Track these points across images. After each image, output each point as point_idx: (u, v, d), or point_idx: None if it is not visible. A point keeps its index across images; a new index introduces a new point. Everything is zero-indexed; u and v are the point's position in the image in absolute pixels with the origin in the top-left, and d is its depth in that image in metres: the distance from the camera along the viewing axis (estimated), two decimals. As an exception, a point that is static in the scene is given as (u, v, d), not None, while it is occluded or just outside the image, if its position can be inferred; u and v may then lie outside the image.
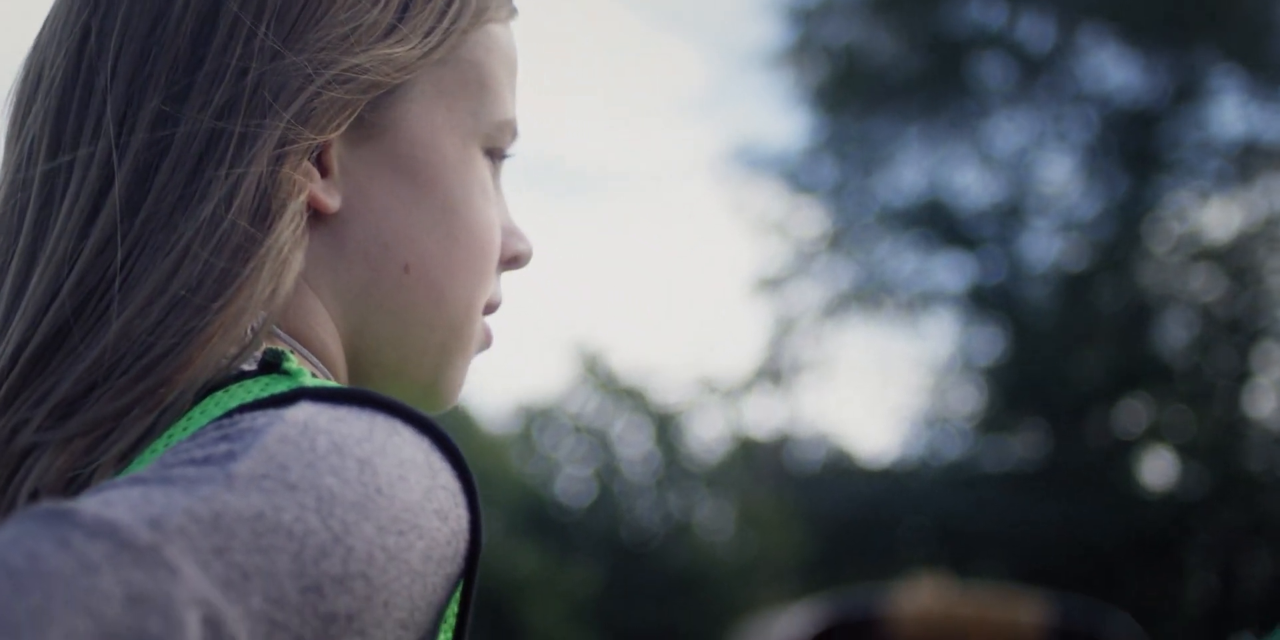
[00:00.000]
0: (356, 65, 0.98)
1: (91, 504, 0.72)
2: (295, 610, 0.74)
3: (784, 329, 22.40)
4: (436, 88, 1.04)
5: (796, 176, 22.06)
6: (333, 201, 1.00)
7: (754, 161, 22.55)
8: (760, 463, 23.70)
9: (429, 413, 1.01)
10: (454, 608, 0.87)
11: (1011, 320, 20.48)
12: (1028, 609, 8.06)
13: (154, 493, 0.74)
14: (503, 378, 45.11)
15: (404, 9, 1.02)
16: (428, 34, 1.02)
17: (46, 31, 1.03)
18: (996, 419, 20.68)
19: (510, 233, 1.12)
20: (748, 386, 23.55)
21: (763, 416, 23.80)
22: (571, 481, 28.24)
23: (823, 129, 22.15)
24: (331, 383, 0.92)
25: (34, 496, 0.87)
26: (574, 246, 44.34)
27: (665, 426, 26.19)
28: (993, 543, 19.15)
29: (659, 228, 41.39)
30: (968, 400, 21.31)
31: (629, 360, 28.00)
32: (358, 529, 0.77)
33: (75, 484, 0.88)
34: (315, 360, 1.01)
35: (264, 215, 0.93)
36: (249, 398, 0.87)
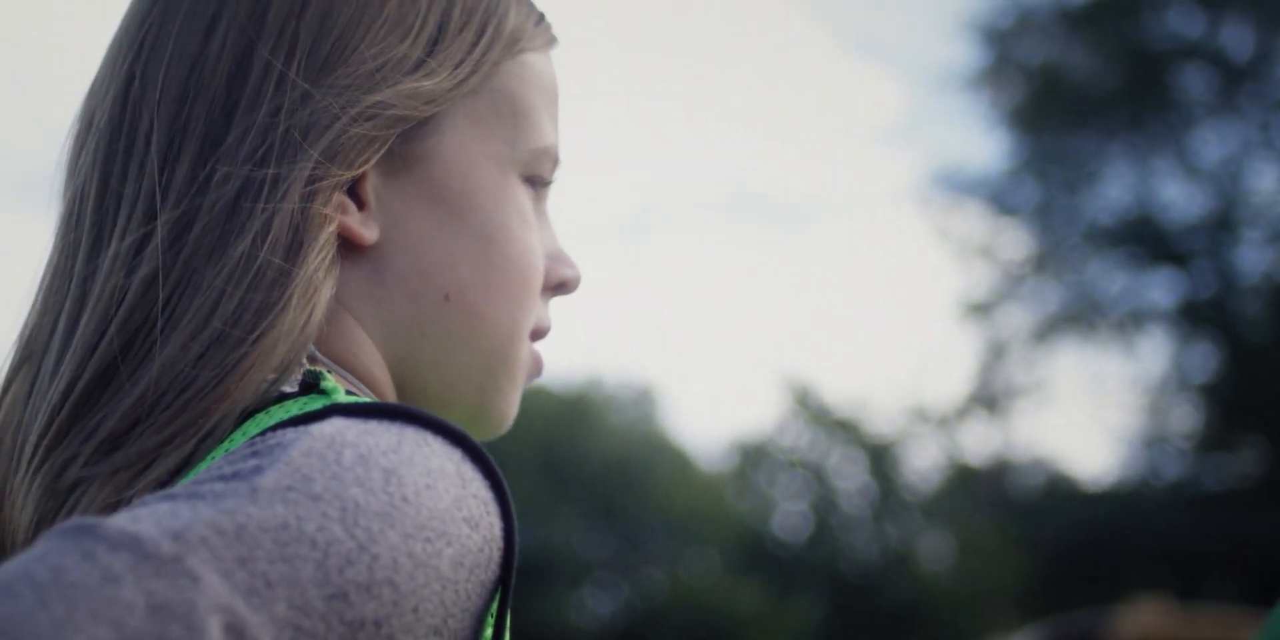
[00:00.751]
0: (382, 101, 0.99)
1: (118, 519, 0.74)
2: (321, 617, 0.75)
3: (995, 354, 22.12)
4: (470, 118, 1.05)
5: (999, 198, 21.83)
6: (370, 233, 1.02)
7: (956, 185, 22.37)
8: (978, 490, 23.38)
9: (481, 439, 1.07)
10: (493, 616, 0.88)
11: (1225, 335, 19.96)
12: (1254, 630, 7.86)
13: (180, 507, 0.76)
14: (716, 415, 45.13)
15: (434, 43, 1.03)
16: (458, 66, 1.04)
17: (98, 76, 1.06)
18: (1215, 436, 20.14)
19: (557, 259, 1.13)
20: (961, 413, 23.30)
21: (978, 443, 23.51)
22: (788, 516, 28.18)
23: (1023, 149, 21.90)
24: (366, 399, 0.94)
25: None
26: (779, 278, 44.27)
27: (879, 457, 26.02)
28: (1217, 563, 18.64)
29: (863, 256, 41.17)
30: (1185, 419, 20.80)
31: (840, 392, 27.86)
32: (383, 537, 0.78)
33: (115, 509, 0.90)
34: (361, 385, 1.03)
35: (295, 250, 0.96)
36: (286, 416, 0.89)
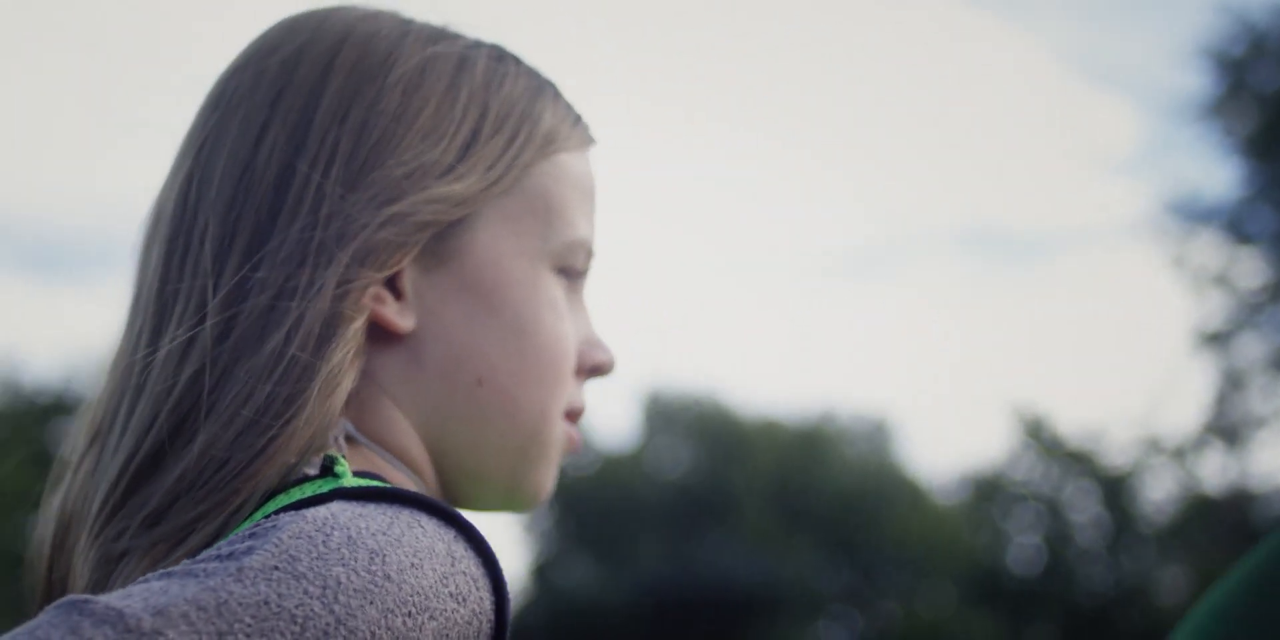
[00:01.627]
0: (410, 207, 1.05)
1: (111, 596, 0.80)
2: None
3: (1232, 383, 21.76)
4: (502, 215, 1.10)
5: (1236, 226, 21.50)
6: (406, 323, 1.08)
7: (1191, 214, 22.05)
8: (1217, 521, 22.95)
9: (517, 512, 1.18)
10: None
11: None
12: None
13: (171, 585, 0.82)
14: (949, 448, 44.69)
15: (466, 148, 1.08)
16: (489, 169, 1.09)
17: (167, 176, 1.12)
18: None
19: (592, 344, 1.18)
20: (1197, 444, 22.92)
21: (1216, 474, 23.07)
22: (1022, 549, 27.85)
23: (1259, 177, 21.55)
24: (373, 483, 0.97)
25: None
26: (1012, 310, 43.77)
27: (1114, 489, 25.62)
28: None
29: (1096, 287, 40.50)
30: None
31: (1073, 424, 27.48)
32: (361, 612, 0.83)
33: None
34: (398, 463, 1.09)
35: (322, 345, 1.01)
36: (298, 497, 0.95)
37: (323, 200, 1.04)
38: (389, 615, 0.85)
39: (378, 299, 1.06)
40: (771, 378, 44.78)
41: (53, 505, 1.10)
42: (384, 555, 0.86)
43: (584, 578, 30.10)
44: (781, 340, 45.91)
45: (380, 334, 1.08)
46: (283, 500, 0.96)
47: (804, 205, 47.20)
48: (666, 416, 32.17)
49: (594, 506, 30.42)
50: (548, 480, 1.16)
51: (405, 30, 1.12)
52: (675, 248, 48.08)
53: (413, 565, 0.87)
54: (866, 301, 48.11)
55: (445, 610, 0.88)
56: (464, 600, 0.90)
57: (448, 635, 0.89)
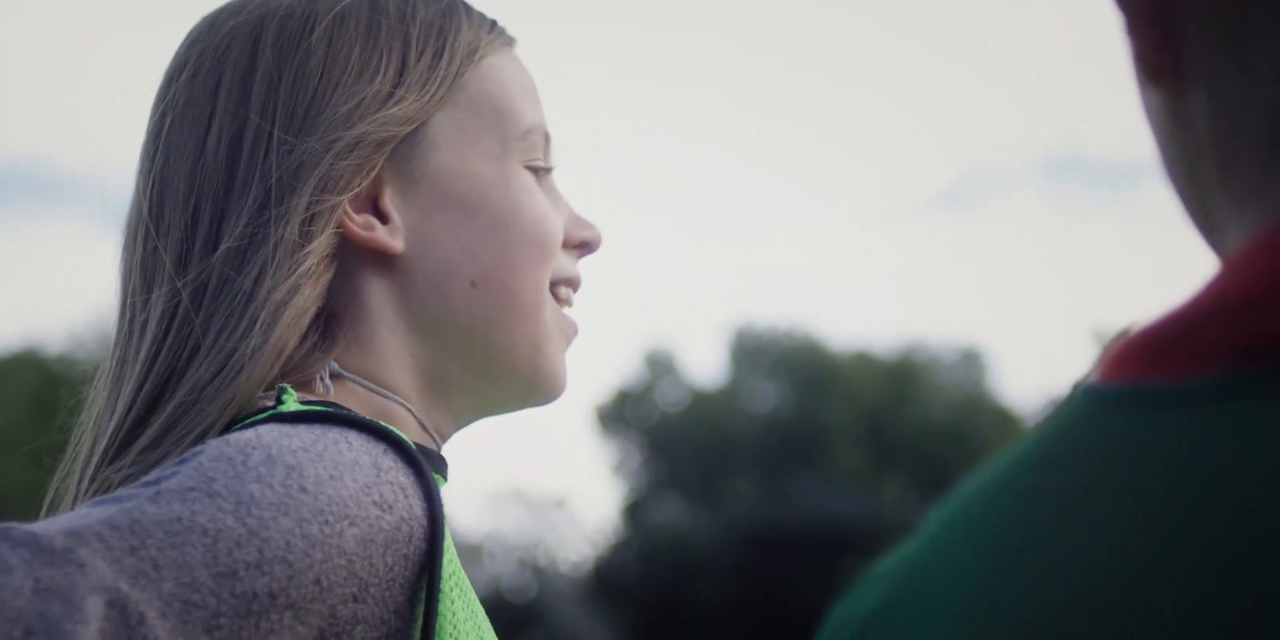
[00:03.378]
0: (363, 132, 1.12)
1: (36, 523, 0.87)
2: (210, 592, 0.86)
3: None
4: (456, 128, 1.17)
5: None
6: (397, 243, 1.15)
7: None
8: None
9: (544, 405, 1.23)
10: (424, 587, 0.97)
11: None
12: None
13: (94, 510, 0.88)
14: (1040, 377, 44.48)
15: (400, 74, 1.15)
16: (424, 86, 1.16)
17: (135, 183, 1.21)
18: None
19: (575, 223, 1.24)
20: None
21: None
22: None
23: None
24: (311, 407, 1.03)
25: None
26: (1097, 239, 43.37)
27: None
28: None
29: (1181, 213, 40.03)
30: None
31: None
32: (274, 523, 0.89)
33: None
34: (388, 394, 1.15)
35: (288, 274, 1.09)
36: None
37: (272, 154, 1.12)
38: (304, 524, 0.90)
39: (368, 227, 1.14)
40: (860, 310, 44.72)
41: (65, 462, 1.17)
42: (301, 469, 0.92)
43: (674, 516, 30.24)
44: (868, 272, 45.81)
45: (373, 266, 1.15)
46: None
47: (890, 137, 46.91)
48: (755, 351, 32.17)
49: (683, 444, 30.53)
50: (563, 366, 1.21)
51: None
52: (762, 185, 47.96)
53: (331, 477, 0.92)
54: (954, 231, 47.83)
55: (368, 517, 0.93)
56: (390, 507, 0.94)
57: (372, 540, 0.93)
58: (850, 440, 29.43)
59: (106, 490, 1.05)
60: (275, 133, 1.13)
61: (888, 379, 30.88)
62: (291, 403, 1.05)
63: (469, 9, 1.23)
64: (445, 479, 1.18)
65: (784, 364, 31.48)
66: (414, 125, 1.15)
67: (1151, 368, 0.55)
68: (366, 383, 1.14)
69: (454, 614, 0.99)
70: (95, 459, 1.10)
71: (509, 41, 1.25)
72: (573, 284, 1.24)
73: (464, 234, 1.16)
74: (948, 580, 0.56)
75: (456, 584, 1.01)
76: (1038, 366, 44.07)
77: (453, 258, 1.16)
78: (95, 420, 1.15)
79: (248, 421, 1.03)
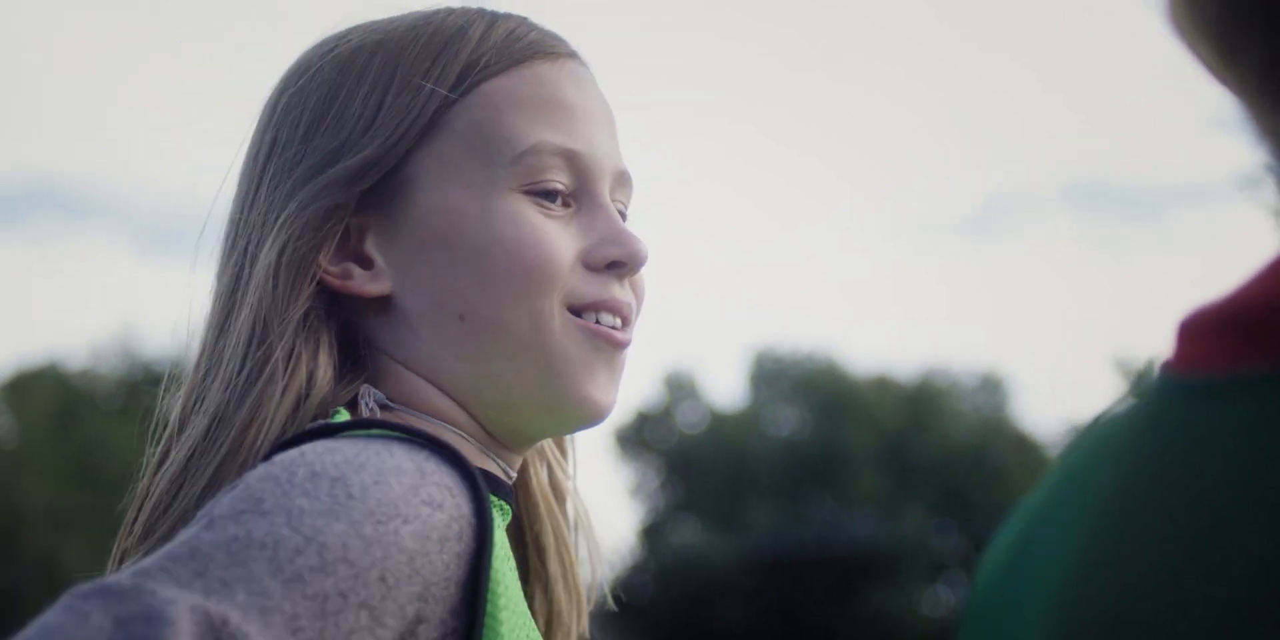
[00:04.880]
0: (316, 190, 1.14)
1: (108, 576, 0.89)
2: (283, 596, 0.88)
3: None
4: (439, 161, 1.16)
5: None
6: (378, 288, 1.15)
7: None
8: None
9: (587, 426, 1.19)
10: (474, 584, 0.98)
11: None
12: None
13: (152, 554, 0.91)
14: (1060, 404, 44.31)
15: (371, 121, 1.16)
16: (395, 129, 1.15)
17: None
18: None
19: (607, 241, 1.17)
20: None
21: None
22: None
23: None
24: (357, 421, 1.06)
25: None
26: (1118, 266, 43.28)
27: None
28: None
29: (1205, 242, 39.98)
30: None
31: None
32: (329, 529, 0.91)
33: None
34: (431, 419, 1.15)
35: (267, 333, 1.12)
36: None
37: (255, 213, 1.17)
38: (357, 525, 0.91)
39: (345, 275, 1.15)
40: (881, 334, 44.65)
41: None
42: (345, 480, 0.93)
43: (692, 538, 30.20)
44: (890, 296, 45.74)
45: (370, 308, 1.16)
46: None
47: (916, 163, 46.89)
48: (776, 374, 32.15)
49: (702, 466, 30.49)
50: (591, 383, 1.16)
51: (348, 33, 1.22)
52: (788, 207, 47.95)
53: (376, 482, 0.94)
54: (977, 256, 47.79)
55: (420, 515, 0.94)
56: (439, 506, 0.95)
57: (428, 537, 0.94)
58: (870, 464, 29.37)
59: (162, 542, 1.06)
60: (263, 192, 1.17)
61: (908, 404, 30.83)
62: (340, 418, 1.08)
63: (493, 26, 1.20)
64: (510, 504, 1.16)
65: (804, 387, 31.45)
66: (377, 175, 1.15)
67: (1213, 356, 0.57)
68: (413, 411, 1.15)
69: (504, 611, 0.99)
70: (147, 511, 1.13)
71: (540, 54, 1.20)
72: (603, 307, 1.17)
73: (446, 271, 1.14)
74: (1058, 533, 0.61)
75: (507, 586, 1.01)
76: (1059, 393, 43.93)
77: (438, 294, 1.14)
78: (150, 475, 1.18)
79: (294, 438, 1.04)
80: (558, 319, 1.15)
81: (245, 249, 1.16)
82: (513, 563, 1.07)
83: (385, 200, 1.16)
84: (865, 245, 47.51)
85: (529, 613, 1.09)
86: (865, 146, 47.12)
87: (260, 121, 1.21)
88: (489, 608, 0.97)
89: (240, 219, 1.18)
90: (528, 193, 1.16)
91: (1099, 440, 0.61)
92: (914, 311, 44.92)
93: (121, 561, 1.11)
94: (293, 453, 0.97)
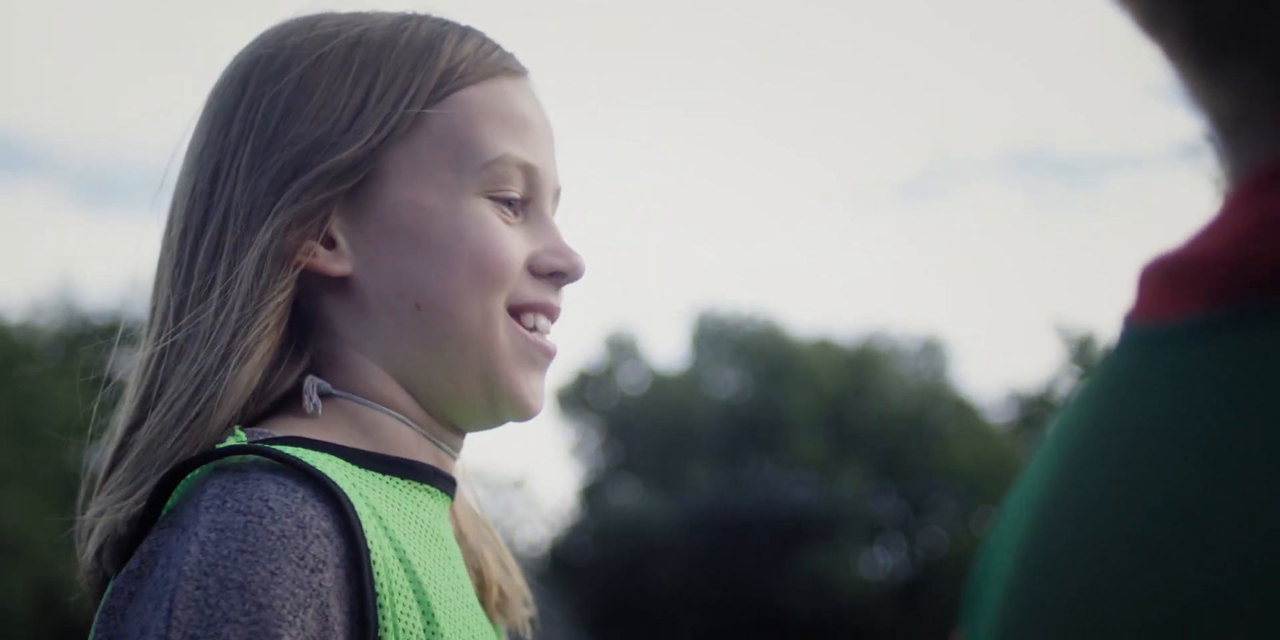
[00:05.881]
0: (304, 184, 1.19)
1: None
2: None
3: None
4: (412, 161, 1.22)
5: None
6: (340, 267, 1.21)
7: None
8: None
9: (516, 422, 1.28)
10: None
11: None
12: None
13: None
14: (998, 369, 44.67)
15: (356, 115, 1.21)
16: (380, 126, 1.21)
17: None
18: None
19: (553, 252, 1.26)
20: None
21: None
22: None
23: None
24: (230, 459, 1.11)
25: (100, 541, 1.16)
26: (1057, 233, 43.58)
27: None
28: None
29: (1142, 209, 40.30)
30: None
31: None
32: (270, 625, 1.03)
33: (114, 536, 1.15)
34: (375, 405, 1.22)
35: (245, 317, 1.17)
36: (189, 485, 1.12)
37: (234, 194, 1.20)
38: (293, 614, 1.03)
39: (309, 253, 1.20)
40: (822, 298, 44.82)
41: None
42: (248, 586, 1.02)
43: (632, 499, 30.30)
44: (832, 259, 45.89)
45: (327, 287, 1.23)
46: (188, 483, 1.12)
47: (857, 127, 47.00)
48: (717, 336, 32.23)
49: (643, 427, 30.58)
50: (526, 386, 1.25)
51: (314, 26, 1.26)
52: (728, 170, 47.97)
53: (273, 574, 1.03)
54: (919, 222, 48.01)
55: (317, 592, 1.04)
56: (321, 565, 1.05)
57: (325, 605, 1.05)
58: (809, 427, 29.53)
59: (92, 527, 1.17)
60: (240, 170, 1.21)
61: (848, 367, 30.98)
62: (233, 442, 1.13)
63: (465, 38, 1.27)
64: (449, 495, 1.26)
65: (745, 350, 31.57)
66: (361, 168, 1.21)
67: (1157, 305, 0.60)
68: (356, 398, 1.22)
69: (397, 606, 1.09)
70: (98, 482, 1.20)
71: (506, 71, 1.28)
72: (541, 310, 1.27)
73: (408, 260, 1.21)
74: (1024, 495, 0.64)
75: (406, 598, 1.11)
76: (998, 358, 44.31)
77: (398, 282, 1.21)
78: (108, 434, 1.24)
79: (190, 465, 1.11)
80: (502, 318, 1.23)
81: (223, 225, 1.21)
82: (443, 546, 1.20)
83: (355, 188, 1.22)
84: (807, 208, 47.63)
85: (460, 590, 1.19)
86: (807, 109, 47.17)
87: (227, 94, 1.25)
88: (379, 614, 1.08)
89: (213, 192, 1.22)
90: (490, 198, 1.24)
91: (1073, 395, 0.65)
92: (856, 275, 45.14)
93: (93, 497, 1.19)
94: (193, 548, 1.04)
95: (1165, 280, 0.60)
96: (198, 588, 1.02)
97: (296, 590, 1.03)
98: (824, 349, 31.59)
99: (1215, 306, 0.57)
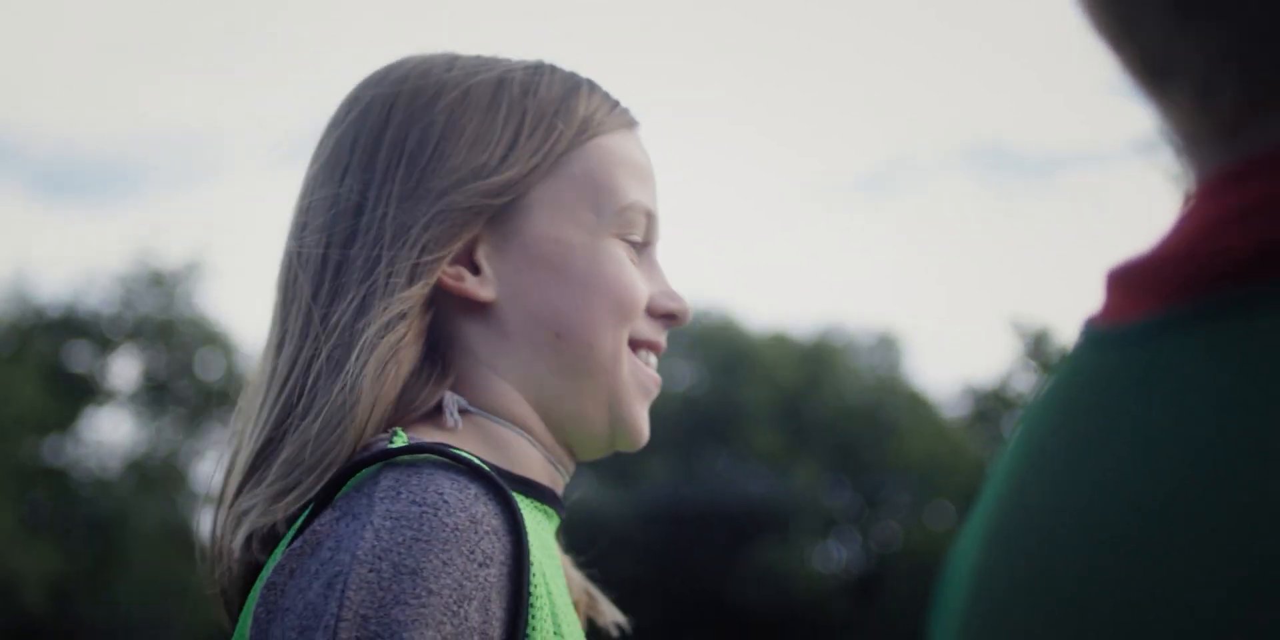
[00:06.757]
0: (465, 200, 1.28)
1: None
2: None
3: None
4: (555, 198, 1.31)
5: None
6: (486, 293, 1.30)
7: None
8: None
9: (625, 451, 1.38)
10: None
11: None
12: None
13: None
14: (954, 363, 44.86)
15: (510, 149, 1.30)
16: (529, 159, 1.30)
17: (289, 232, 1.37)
18: None
19: (666, 296, 1.38)
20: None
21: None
22: (1027, 463, 27.98)
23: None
24: (412, 456, 1.17)
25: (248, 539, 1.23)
26: (1013, 228, 43.79)
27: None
28: None
29: (1098, 204, 40.49)
30: None
31: (1074, 339, 27.47)
32: (421, 636, 1.07)
33: (269, 533, 1.23)
34: (507, 424, 1.30)
35: (385, 332, 1.24)
36: (358, 481, 1.17)
37: (388, 214, 1.28)
38: (440, 626, 1.07)
39: (458, 278, 1.29)
40: (779, 292, 44.89)
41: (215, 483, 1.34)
42: (420, 572, 1.08)
43: (586, 492, 30.30)
44: (788, 254, 45.99)
45: (468, 310, 1.31)
46: (353, 483, 1.17)
47: (814, 121, 47.08)
48: (672, 330, 32.06)
49: (600, 421, 30.46)
50: (641, 416, 1.36)
51: (451, 66, 1.35)
52: (685, 165, 48.01)
53: (444, 564, 1.08)
54: (874, 216, 48.14)
55: (481, 586, 1.10)
56: (489, 560, 1.11)
57: (488, 599, 1.10)
58: (764, 421, 29.57)
59: (241, 520, 1.24)
60: (393, 196, 1.28)
61: (804, 361, 31.05)
62: (396, 443, 1.20)
63: (593, 90, 1.38)
64: (560, 515, 1.34)
65: (701, 343, 31.58)
66: (512, 196, 1.30)
67: (1117, 308, 0.62)
68: (492, 417, 1.30)
69: (537, 619, 1.15)
70: (235, 481, 1.28)
71: (628, 123, 1.39)
72: (652, 347, 1.38)
73: (550, 290, 1.30)
74: (988, 500, 0.67)
75: (546, 595, 1.17)
76: (953, 353, 44.49)
77: (539, 310, 1.30)
78: (237, 437, 1.32)
79: (363, 463, 1.16)
80: (626, 351, 1.33)
81: (375, 244, 1.27)
82: (556, 562, 1.27)
83: (502, 219, 1.31)
84: (764, 202, 47.71)
85: (569, 604, 1.26)
86: (765, 103, 47.24)
87: (369, 121, 1.33)
88: (530, 613, 1.14)
89: (360, 213, 1.29)
90: (620, 240, 1.34)
91: (1034, 397, 0.67)
92: (811, 269, 45.25)
93: (239, 494, 1.26)
94: (368, 535, 1.10)
95: (1125, 282, 0.62)
96: (371, 571, 1.08)
97: (464, 581, 1.09)
98: (780, 343, 31.64)
99: (1174, 304, 0.58)
